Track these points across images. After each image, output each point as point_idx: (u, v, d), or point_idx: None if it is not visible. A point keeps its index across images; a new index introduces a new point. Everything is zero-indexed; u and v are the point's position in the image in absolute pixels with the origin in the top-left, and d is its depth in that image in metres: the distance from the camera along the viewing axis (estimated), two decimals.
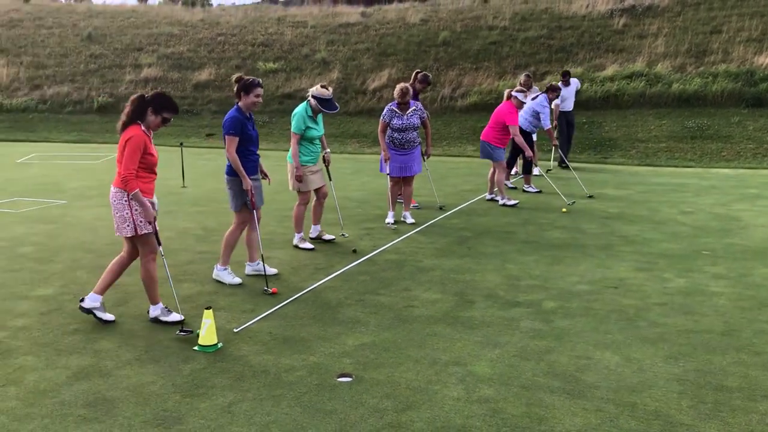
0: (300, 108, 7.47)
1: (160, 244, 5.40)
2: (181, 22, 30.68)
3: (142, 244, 5.32)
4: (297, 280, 6.49)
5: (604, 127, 17.95)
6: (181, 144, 14.36)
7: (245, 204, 6.34)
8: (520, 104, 10.15)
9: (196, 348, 4.87)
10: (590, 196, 10.92)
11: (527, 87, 12.45)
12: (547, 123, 11.28)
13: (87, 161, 16.34)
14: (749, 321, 5.30)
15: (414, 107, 8.65)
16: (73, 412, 3.96)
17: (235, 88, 6.19)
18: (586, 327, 5.23)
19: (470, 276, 6.60)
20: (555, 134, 13.05)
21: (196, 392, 4.21)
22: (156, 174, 5.39)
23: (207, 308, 4.91)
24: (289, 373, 4.47)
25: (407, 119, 8.56)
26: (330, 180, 7.93)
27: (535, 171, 13.23)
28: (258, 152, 6.48)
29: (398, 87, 8.56)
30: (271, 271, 6.65)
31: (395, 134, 8.60)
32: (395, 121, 8.57)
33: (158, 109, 5.17)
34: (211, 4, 46.20)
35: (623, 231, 8.41)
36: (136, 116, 5.16)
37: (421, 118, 8.76)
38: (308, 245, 7.75)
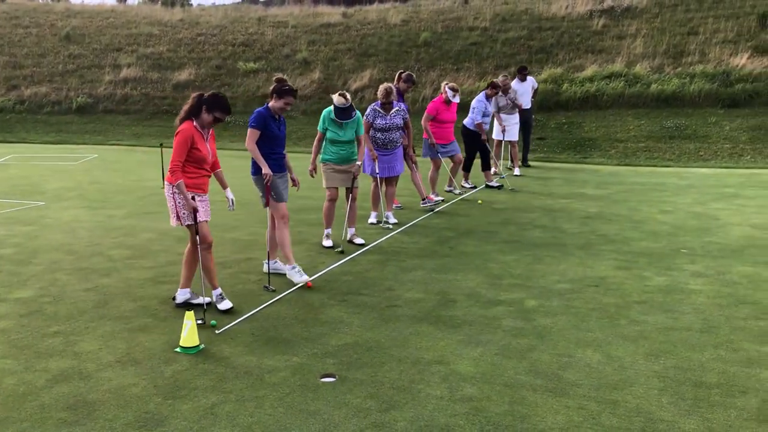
0: (326, 110, 7.60)
1: (197, 233, 5.55)
2: (160, 22, 30.48)
3: (189, 234, 5.65)
4: (279, 281, 6.46)
5: (583, 127, 18.08)
6: (161, 145, 14.25)
7: (272, 197, 6.40)
8: (448, 100, 10.37)
9: (177, 349, 4.84)
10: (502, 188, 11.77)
11: (503, 88, 12.55)
12: (478, 117, 11.60)
13: (66, 162, 16.18)
14: (727, 318, 5.37)
15: (397, 107, 8.66)
16: (53, 416, 3.92)
17: (271, 88, 6.34)
18: (567, 325, 5.27)
19: (452, 275, 6.62)
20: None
21: (178, 394, 4.19)
22: (206, 171, 5.61)
23: (188, 310, 4.89)
24: (272, 374, 4.45)
25: (390, 119, 8.57)
26: (352, 193, 7.86)
27: (493, 169, 13.34)
28: (284, 152, 6.58)
29: (382, 87, 8.55)
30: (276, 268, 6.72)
31: (378, 134, 8.60)
32: (378, 121, 8.56)
33: (211, 108, 5.42)
34: (191, 4, 45.94)
35: (603, 230, 8.48)
36: (192, 113, 5.45)
37: (404, 118, 8.79)
38: (328, 243, 7.79)
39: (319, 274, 6.71)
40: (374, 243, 7.92)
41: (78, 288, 6.28)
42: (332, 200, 7.81)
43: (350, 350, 4.84)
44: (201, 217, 5.54)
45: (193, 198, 5.45)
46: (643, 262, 6.99)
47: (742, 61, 18.90)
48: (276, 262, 6.69)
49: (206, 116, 5.43)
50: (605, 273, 6.64)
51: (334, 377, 4.41)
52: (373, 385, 4.28)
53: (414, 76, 10.01)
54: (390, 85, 8.58)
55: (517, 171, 13.52)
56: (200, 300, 5.75)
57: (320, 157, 7.75)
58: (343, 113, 7.34)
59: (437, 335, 5.10)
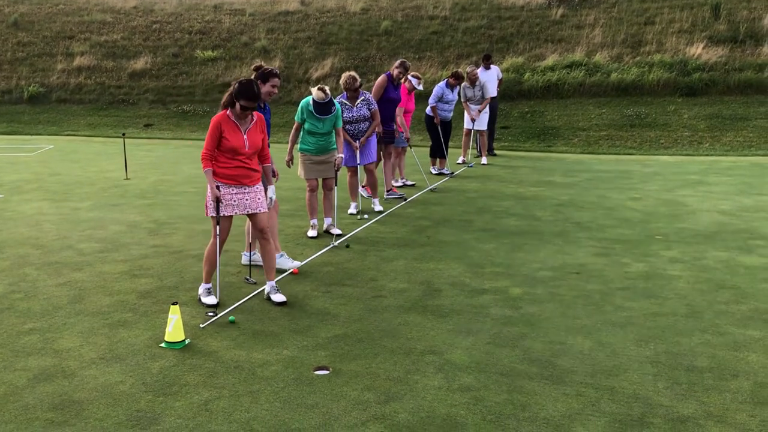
0: (304, 100, 7.43)
1: (218, 224, 5.42)
2: (113, 9, 29.67)
3: (212, 226, 5.51)
4: (259, 273, 6.34)
5: (546, 116, 18.24)
6: (123, 135, 13.90)
7: None
8: (413, 88, 10.47)
9: (162, 345, 4.70)
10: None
11: (471, 79, 12.65)
12: (431, 101, 11.81)
13: (21, 153, 15.67)
14: (709, 303, 5.45)
15: (363, 97, 8.49)
16: (40, 416, 3.76)
17: (253, 77, 6.10)
18: (555, 313, 5.29)
19: (434, 264, 6.59)
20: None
21: (169, 390, 4.06)
22: (242, 162, 5.38)
23: (173, 303, 4.75)
24: (264, 368, 4.35)
25: (357, 111, 8.42)
26: (336, 185, 7.74)
27: (461, 158, 13.36)
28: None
29: (345, 76, 8.34)
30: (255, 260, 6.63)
31: (347, 126, 8.45)
32: (345, 115, 8.38)
33: (237, 96, 5.24)
34: None
35: (576, 217, 8.55)
36: (228, 102, 5.33)
37: (370, 109, 8.56)
38: (313, 233, 7.70)
39: (299, 265, 6.60)
40: (351, 233, 7.84)
41: (50, 283, 6.06)
42: (313, 191, 7.71)
43: (341, 342, 4.76)
44: (224, 210, 5.39)
45: (218, 187, 5.33)
46: (619, 249, 7.06)
47: (697, 50, 19.28)
48: (255, 253, 6.56)
49: (237, 105, 5.24)
50: (584, 260, 6.69)
51: (327, 370, 4.33)
52: (369, 377, 4.22)
53: (407, 62, 9.85)
54: (352, 73, 8.35)
55: (484, 160, 13.57)
56: (210, 299, 5.53)
57: (297, 146, 7.62)
58: (323, 108, 7.18)
59: (426, 325, 5.06)
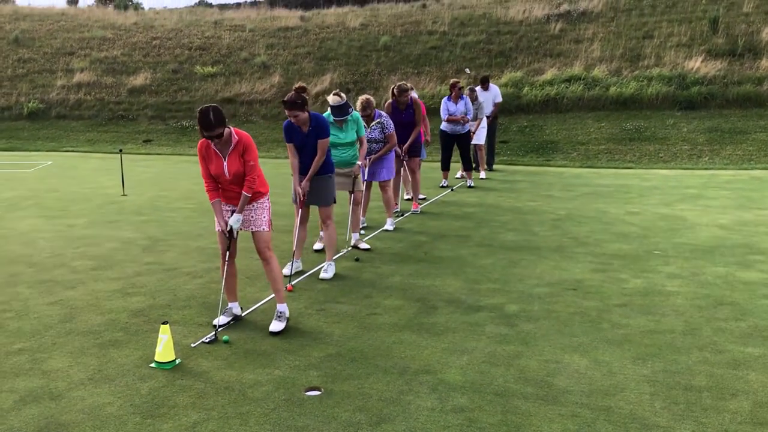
0: (324, 114, 7.37)
1: (228, 249, 5.38)
2: (113, 25, 29.83)
3: None
4: (253, 291, 6.29)
5: (545, 130, 18.23)
6: (120, 151, 13.88)
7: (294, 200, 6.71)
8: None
9: (152, 365, 4.64)
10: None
11: (471, 97, 12.69)
12: (442, 116, 12.10)
13: (19, 170, 15.65)
14: (707, 320, 5.38)
15: (378, 119, 8.47)
16: None
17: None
18: (551, 330, 5.22)
19: (430, 281, 6.52)
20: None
21: (157, 412, 3.99)
22: (226, 188, 5.28)
23: (163, 323, 4.68)
24: (254, 389, 4.28)
25: (369, 133, 8.43)
26: (352, 191, 7.74)
27: (457, 174, 13.35)
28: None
29: (360, 100, 8.41)
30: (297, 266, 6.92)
31: None
32: None
33: None
34: (143, 8, 45.23)
35: (574, 232, 8.49)
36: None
37: (384, 132, 8.50)
38: (319, 246, 7.76)
39: (294, 282, 6.54)
40: (347, 249, 7.77)
41: (41, 302, 6.00)
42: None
43: (333, 361, 4.69)
44: (218, 225, 5.36)
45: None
46: (617, 264, 7.00)
47: (696, 64, 19.29)
48: (296, 261, 6.82)
49: None
50: (582, 276, 6.62)
51: (319, 390, 4.26)
52: (361, 398, 4.15)
53: (404, 84, 9.97)
54: (368, 97, 8.41)
55: (482, 174, 13.53)
56: (220, 319, 5.41)
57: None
58: (340, 111, 7.19)
59: (421, 343, 4.99)
